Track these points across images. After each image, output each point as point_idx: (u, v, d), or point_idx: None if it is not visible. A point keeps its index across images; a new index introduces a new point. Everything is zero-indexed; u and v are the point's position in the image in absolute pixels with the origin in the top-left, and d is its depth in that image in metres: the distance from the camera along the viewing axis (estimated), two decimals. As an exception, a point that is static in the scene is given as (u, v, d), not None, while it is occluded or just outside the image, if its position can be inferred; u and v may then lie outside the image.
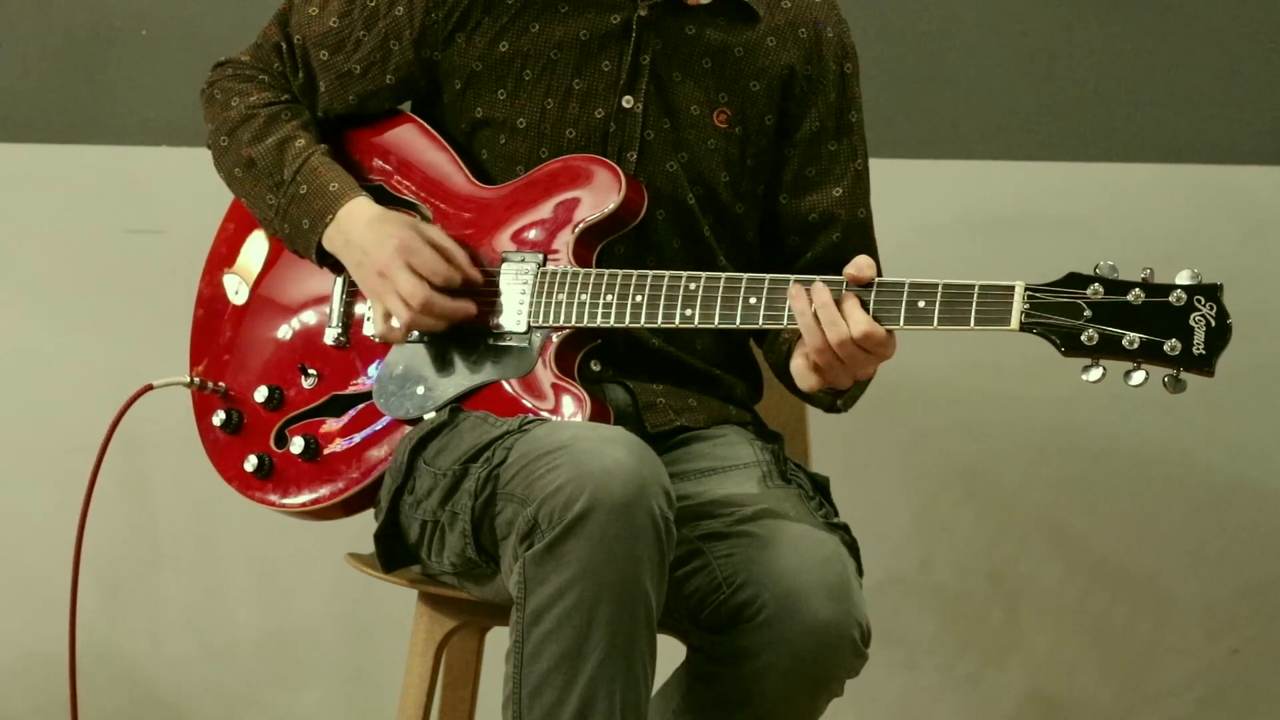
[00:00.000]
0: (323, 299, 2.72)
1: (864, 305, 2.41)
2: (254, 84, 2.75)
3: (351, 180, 2.67)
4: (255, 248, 2.78)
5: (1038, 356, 2.46)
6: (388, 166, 2.73)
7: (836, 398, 2.61)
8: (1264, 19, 3.55)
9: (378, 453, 2.64)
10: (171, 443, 3.17)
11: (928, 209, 3.56)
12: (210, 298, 2.81)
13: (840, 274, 2.44)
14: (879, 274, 2.70)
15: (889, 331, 2.41)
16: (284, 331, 2.74)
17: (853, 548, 2.52)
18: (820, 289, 2.43)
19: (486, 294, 2.61)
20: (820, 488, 2.64)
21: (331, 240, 2.64)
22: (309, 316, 2.73)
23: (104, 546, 3.34)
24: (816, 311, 2.43)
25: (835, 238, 2.72)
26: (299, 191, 2.66)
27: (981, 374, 3.56)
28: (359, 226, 2.62)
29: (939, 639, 3.63)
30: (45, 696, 3.61)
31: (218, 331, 2.79)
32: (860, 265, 2.43)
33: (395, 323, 2.61)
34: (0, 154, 3.63)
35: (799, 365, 2.50)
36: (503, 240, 2.64)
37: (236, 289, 2.79)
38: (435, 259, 2.58)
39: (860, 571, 2.50)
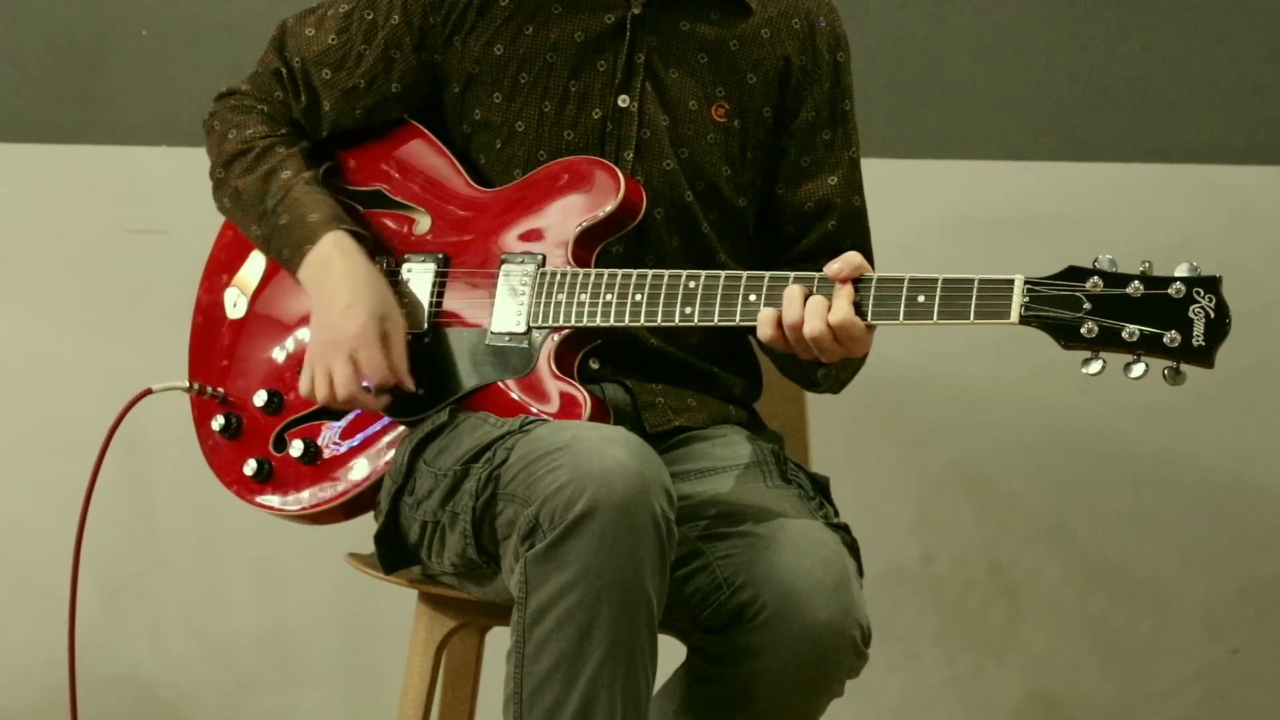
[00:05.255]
0: (321, 304, 2.72)
1: (856, 301, 2.41)
2: (252, 115, 2.74)
3: (334, 210, 2.65)
4: (255, 259, 2.78)
5: (1038, 356, 2.46)
6: (387, 171, 2.73)
7: (817, 369, 2.62)
8: (1262, 19, 3.55)
9: (377, 455, 2.64)
10: (171, 444, 3.17)
11: (928, 209, 3.56)
12: (209, 304, 2.81)
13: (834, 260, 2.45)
14: (871, 262, 2.72)
15: (868, 327, 2.41)
16: (283, 336, 2.74)
17: (853, 548, 2.52)
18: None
19: (486, 295, 2.62)
20: (820, 488, 2.64)
21: (305, 275, 2.63)
22: (307, 322, 2.73)
23: (104, 547, 3.34)
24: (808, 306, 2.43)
25: (831, 225, 2.72)
26: (279, 222, 2.65)
27: (982, 374, 3.56)
28: (340, 281, 2.60)
29: (939, 639, 3.63)
30: (45, 697, 3.61)
31: (216, 337, 2.79)
32: (841, 265, 2.42)
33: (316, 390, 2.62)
34: (0, 154, 3.62)
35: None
36: (502, 242, 2.63)
37: (235, 302, 2.79)
38: (380, 361, 2.58)
39: (860, 572, 2.50)
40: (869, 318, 2.40)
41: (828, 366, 2.60)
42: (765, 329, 2.45)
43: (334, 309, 2.60)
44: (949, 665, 3.63)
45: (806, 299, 2.43)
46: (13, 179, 3.63)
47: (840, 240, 2.71)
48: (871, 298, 2.40)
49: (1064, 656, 3.62)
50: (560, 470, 2.34)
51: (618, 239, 2.61)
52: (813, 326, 2.41)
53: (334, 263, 2.62)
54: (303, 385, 2.63)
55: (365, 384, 2.59)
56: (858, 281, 2.42)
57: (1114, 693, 3.62)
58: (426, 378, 2.62)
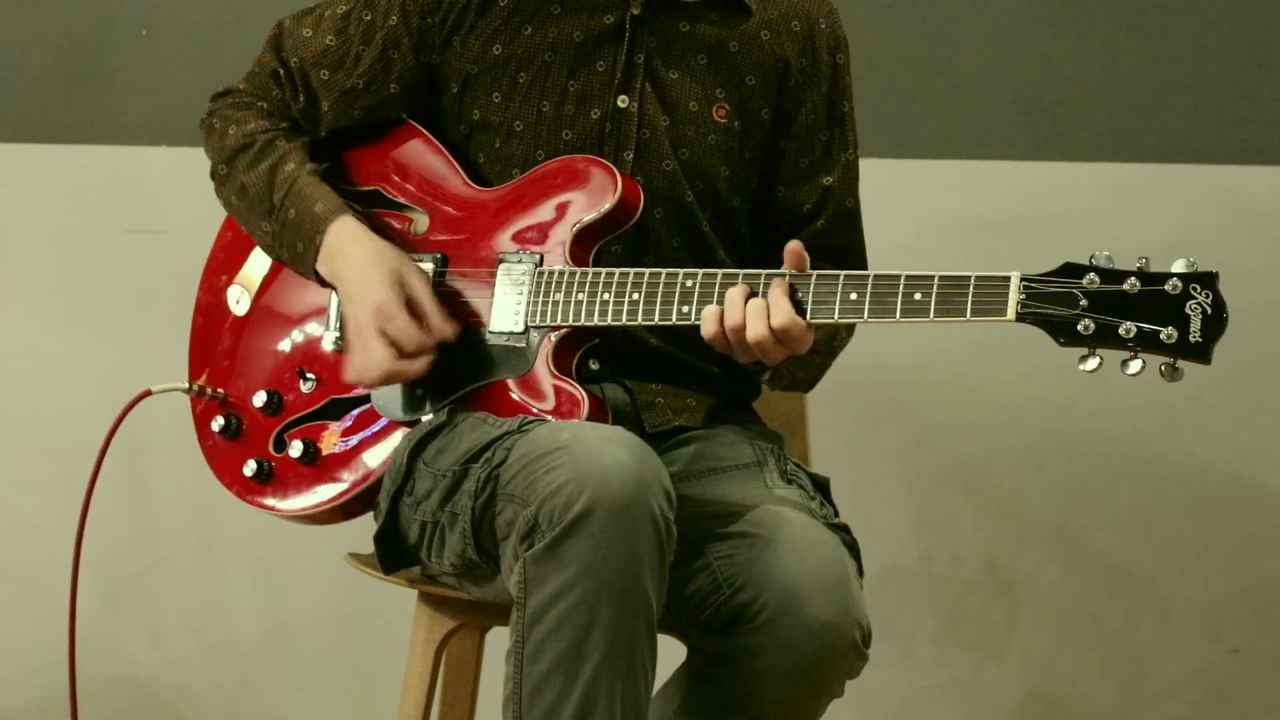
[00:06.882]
0: (322, 308, 2.72)
1: (792, 297, 2.42)
2: (252, 111, 2.74)
3: (338, 200, 2.66)
4: (258, 258, 2.78)
5: (1038, 356, 2.46)
6: (385, 171, 2.73)
7: (763, 370, 2.62)
8: (1263, 19, 3.55)
9: (376, 455, 2.64)
10: (171, 444, 3.17)
11: (927, 209, 3.56)
12: (208, 305, 2.81)
13: (820, 259, 2.46)
14: (863, 264, 2.72)
15: (808, 325, 2.42)
16: (283, 337, 2.74)
17: (853, 548, 2.52)
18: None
19: (484, 295, 2.62)
20: (820, 488, 2.64)
21: (324, 268, 2.64)
22: (308, 323, 2.73)
23: (104, 547, 3.34)
24: (747, 304, 2.44)
25: (820, 225, 2.72)
26: (288, 216, 2.65)
27: (982, 374, 3.56)
28: (353, 265, 2.61)
29: (939, 640, 3.63)
30: (45, 696, 3.61)
31: (216, 339, 2.79)
32: (794, 253, 2.43)
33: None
34: (0, 154, 3.62)
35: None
36: (499, 241, 2.63)
37: (238, 299, 2.79)
38: (409, 327, 2.57)
39: (860, 572, 2.50)
40: (808, 316, 2.41)
41: (774, 369, 2.60)
42: (709, 326, 2.46)
43: (354, 294, 2.59)
44: (948, 665, 3.63)
45: (747, 300, 2.43)
46: (13, 179, 3.63)
47: (829, 239, 2.71)
48: (810, 297, 2.41)
49: (1064, 656, 3.62)
50: (559, 470, 2.34)
51: (615, 238, 2.61)
52: (755, 330, 2.42)
53: (345, 249, 2.62)
54: (348, 375, 2.62)
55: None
56: (797, 278, 2.42)
57: (1114, 693, 3.62)
58: (425, 378, 2.62)
